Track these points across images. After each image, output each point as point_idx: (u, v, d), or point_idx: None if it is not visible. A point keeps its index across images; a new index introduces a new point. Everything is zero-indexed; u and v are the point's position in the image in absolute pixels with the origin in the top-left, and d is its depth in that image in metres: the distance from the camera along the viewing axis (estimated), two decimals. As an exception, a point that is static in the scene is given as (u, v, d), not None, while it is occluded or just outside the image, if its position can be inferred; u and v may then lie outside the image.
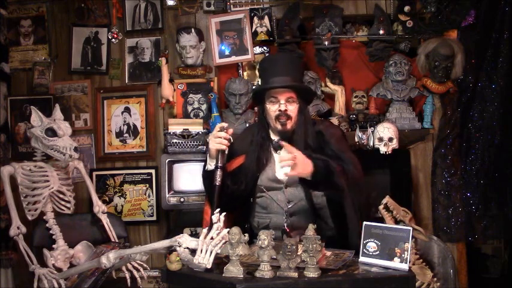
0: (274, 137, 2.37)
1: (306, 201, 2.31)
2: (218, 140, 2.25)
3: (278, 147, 2.33)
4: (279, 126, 2.31)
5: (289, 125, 2.31)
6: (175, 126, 3.33)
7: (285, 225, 2.30)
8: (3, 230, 3.08)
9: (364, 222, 1.99)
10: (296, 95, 2.31)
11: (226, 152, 2.29)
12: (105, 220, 2.84)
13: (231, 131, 2.29)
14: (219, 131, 2.26)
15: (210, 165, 2.30)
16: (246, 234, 1.82)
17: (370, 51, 3.42)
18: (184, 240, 1.85)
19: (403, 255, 1.86)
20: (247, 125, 3.30)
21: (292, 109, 2.30)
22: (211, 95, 3.41)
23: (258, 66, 3.55)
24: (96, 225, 2.88)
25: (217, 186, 2.20)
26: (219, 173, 2.22)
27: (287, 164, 2.09)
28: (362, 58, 3.53)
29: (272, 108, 2.31)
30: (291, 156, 2.08)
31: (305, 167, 2.11)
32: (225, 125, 2.30)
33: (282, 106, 2.28)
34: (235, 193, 2.35)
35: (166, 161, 3.28)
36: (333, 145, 2.32)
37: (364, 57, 3.49)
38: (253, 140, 2.40)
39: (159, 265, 3.31)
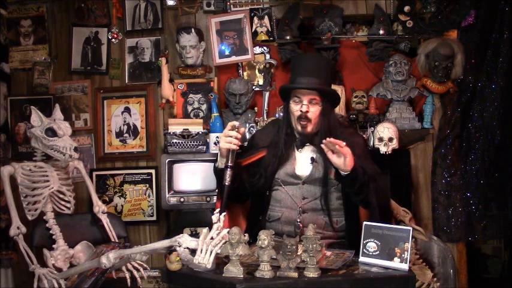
0: (298, 135, 2.39)
1: (320, 200, 2.32)
2: (228, 139, 2.23)
3: (300, 145, 2.37)
4: (299, 128, 2.34)
5: (310, 127, 2.32)
6: (175, 126, 3.33)
7: (298, 221, 2.30)
8: (3, 230, 3.09)
9: (364, 222, 1.99)
10: (320, 98, 2.32)
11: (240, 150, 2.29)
12: (105, 220, 2.84)
13: (242, 130, 2.29)
14: (230, 130, 2.25)
15: (221, 164, 2.29)
16: (246, 234, 1.82)
17: (370, 51, 3.42)
18: (184, 240, 1.85)
19: (403, 255, 1.86)
20: (247, 125, 3.30)
21: (314, 111, 2.31)
22: (211, 95, 3.41)
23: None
24: (96, 225, 2.88)
25: (226, 186, 2.19)
26: (228, 172, 2.20)
27: (337, 145, 2.07)
28: (362, 58, 3.53)
29: (295, 108, 2.34)
30: (340, 142, 2.08)
31: (351, 157, 2.12)
32: (236, 123, 2.28)
33: (304, 107, 2.30)
34: (253, 186, 2.37)
35: (166, 161, 3.28)
36: (356, 153, 2.30)
37: (364, 57, 3.49)
38: (278, 134, 2.41)
39: (159, 265, 3.31)
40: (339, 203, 2.35)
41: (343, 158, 2.10)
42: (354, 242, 2.22)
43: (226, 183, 2.20)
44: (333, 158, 2.13)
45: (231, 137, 2.23)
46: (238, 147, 2.26)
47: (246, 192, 2.41)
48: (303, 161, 2.37)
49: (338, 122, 2.52)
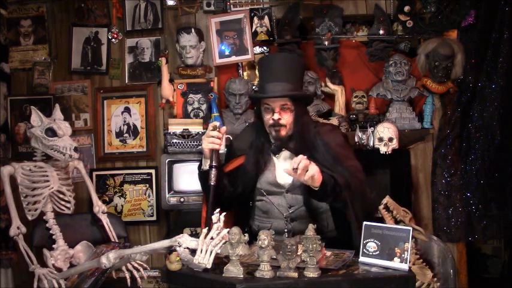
0: (273, 140, 2.33)
1: (306, 206, 2.29)
2: (210, 140, 2.20)
3: (276, 151, 2.30)
4: (273, 133, 2.29)
5: (284, 132, 2.26)
6: (175, 126, 3.33)
7: (286, 230, 2.28)
8: (3, 230, 3.08)
9: (364, 222, 1.99)
10: (292, 102, 2.25)
11: (222, 151, 2.27)
12: (105, 220, 2.84)
13: (223, 129, 2.25)
14: (211, 130, 2.23)
15: (205, 165, 2.26)
16: (246, 234, 1.82)
17: (370, 51, 3.42)
18: (184, 240, 1.85)
19: (403, 255, 1.86)
20: (247, 124, 3.30)
21: (287, 117, 2.25)
22: (211, 95, 3.41)
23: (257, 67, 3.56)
24: (96, 225, 2.87)
25: (212, 186, 2.17)
26: (213, 172, 2.18)
27: (302, 164, 1.96)
28: (362, 58, 3.53)
29: (267, 116, 2.28)
30: (305, 160, 1.97)
31: (318, 174, 2.01)
32: (217, 123, 2.26)
33: (276, 115, 2.24)
34: (232, 195, 2.33)
35: (166, 161, 3.28)
36: (333, 150, 2.25)
37: (364, 57, 3.49)
38: (253, 142, 2.36)
39: (159, 265, 3.31)
40: (326, 204, 2.29)
41: (310, 178, 2.00)
42: (345, 240, 2.20)
43: (212, 183, 2.17)
44: (300, 178, 2.01)
45: (213, 137, 2.20)
46: (220, 147, 2.22)
47: (230, 201, 2.35)
48: (282, 169, 2.27)
49: (312, 121, 2.45)
